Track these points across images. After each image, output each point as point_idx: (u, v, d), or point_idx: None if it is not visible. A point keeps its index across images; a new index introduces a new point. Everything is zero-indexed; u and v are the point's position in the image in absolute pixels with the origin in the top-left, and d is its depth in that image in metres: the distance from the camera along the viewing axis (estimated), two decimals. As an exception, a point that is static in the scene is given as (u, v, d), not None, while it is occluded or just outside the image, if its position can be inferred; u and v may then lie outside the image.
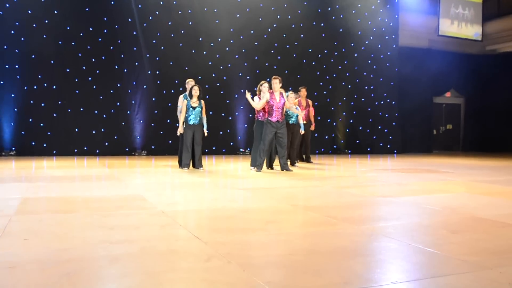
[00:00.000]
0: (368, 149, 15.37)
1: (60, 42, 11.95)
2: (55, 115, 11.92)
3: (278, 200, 4.93)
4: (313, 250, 2.89)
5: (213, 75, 13.29)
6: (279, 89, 8.17)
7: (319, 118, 13.98)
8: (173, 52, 12.87)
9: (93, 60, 12.25)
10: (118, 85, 12.50)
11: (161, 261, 2.58)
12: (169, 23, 12.90)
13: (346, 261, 2.67)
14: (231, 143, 13.59)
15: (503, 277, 2.40)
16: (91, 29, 12.21)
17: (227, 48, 13.45)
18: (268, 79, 8.45)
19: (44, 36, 11.78)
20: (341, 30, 14.97)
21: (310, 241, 3.16)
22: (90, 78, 12.23)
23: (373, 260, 2.73)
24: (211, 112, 11.45)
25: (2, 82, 11.54)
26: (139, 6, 12.61)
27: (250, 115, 11.77)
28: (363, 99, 15.40)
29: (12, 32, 11.51)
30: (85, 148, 12.08)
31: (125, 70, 12.57)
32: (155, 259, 2.63)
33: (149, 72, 12.79)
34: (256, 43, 13.73)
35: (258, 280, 2.28)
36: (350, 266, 2.57)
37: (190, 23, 13.11)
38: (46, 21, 11.81)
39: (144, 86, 12.78)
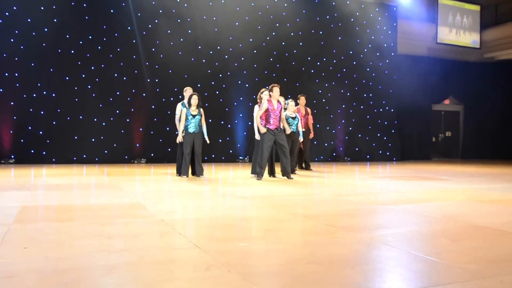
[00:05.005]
0: (367, 156, 15.38)
1: (59, 50, 11.99)
2: (54, 123, 11.93)
3: (277, 208, 4.91)
4: (312, 259, 2.88)
5: (212, 83, 13.32)
6: (278, 97, 8.19)
7: (318, 125, 14.01)
8: (172, 60, 12.90)
9: (92, 68, 12.28)
10: (117, 93, 12.53)
11: (160, 270, 2.57)
12: (168, 31, 12.94)
13: (346, 270, 2.65)
14: (231, 151, 13.59)
15: (503, 286, 2.39)
16: (90, 37, 12.26)
17: (226, 56, 13.50)
18: (267, 87, 8.46)
19: (44, 44, 11.81)
20: (339, 38, 15.06)
21: (309, 250, 3.15)
22: (89, 86, 12.26)
23: (373, 269, 2.71)
24: (210, 120, 11.47)
25: (1, 90, 11.56)
26: (139, 14, 12.67)
27: (250, 123, 11.75)
28: (362, 107, 15.44)
29: (12, 40, 11.55)
30: (84, 156, 12.07)
31: (125, 78, 12.59)
32: (154, 268, 2.61)
33: (148, 80, 12.82)
34: (255, 51, 13.77)
35: (257, 289, 2.27)
36: (349, 275, 2.55)
37: (189, 31, 13.17)
38: (46, 29, 11.86)
39: (143, 94, 12.80)
